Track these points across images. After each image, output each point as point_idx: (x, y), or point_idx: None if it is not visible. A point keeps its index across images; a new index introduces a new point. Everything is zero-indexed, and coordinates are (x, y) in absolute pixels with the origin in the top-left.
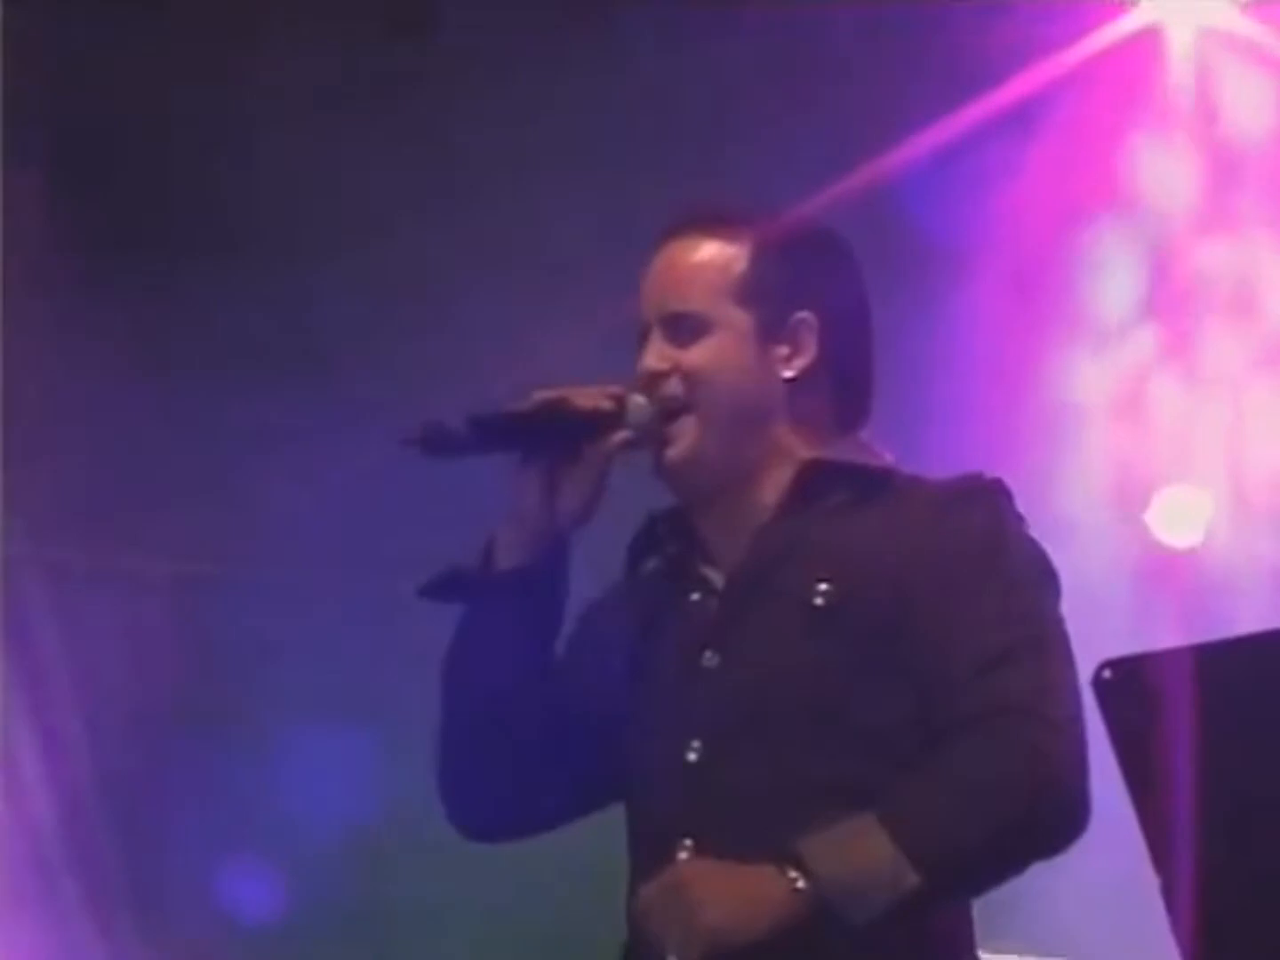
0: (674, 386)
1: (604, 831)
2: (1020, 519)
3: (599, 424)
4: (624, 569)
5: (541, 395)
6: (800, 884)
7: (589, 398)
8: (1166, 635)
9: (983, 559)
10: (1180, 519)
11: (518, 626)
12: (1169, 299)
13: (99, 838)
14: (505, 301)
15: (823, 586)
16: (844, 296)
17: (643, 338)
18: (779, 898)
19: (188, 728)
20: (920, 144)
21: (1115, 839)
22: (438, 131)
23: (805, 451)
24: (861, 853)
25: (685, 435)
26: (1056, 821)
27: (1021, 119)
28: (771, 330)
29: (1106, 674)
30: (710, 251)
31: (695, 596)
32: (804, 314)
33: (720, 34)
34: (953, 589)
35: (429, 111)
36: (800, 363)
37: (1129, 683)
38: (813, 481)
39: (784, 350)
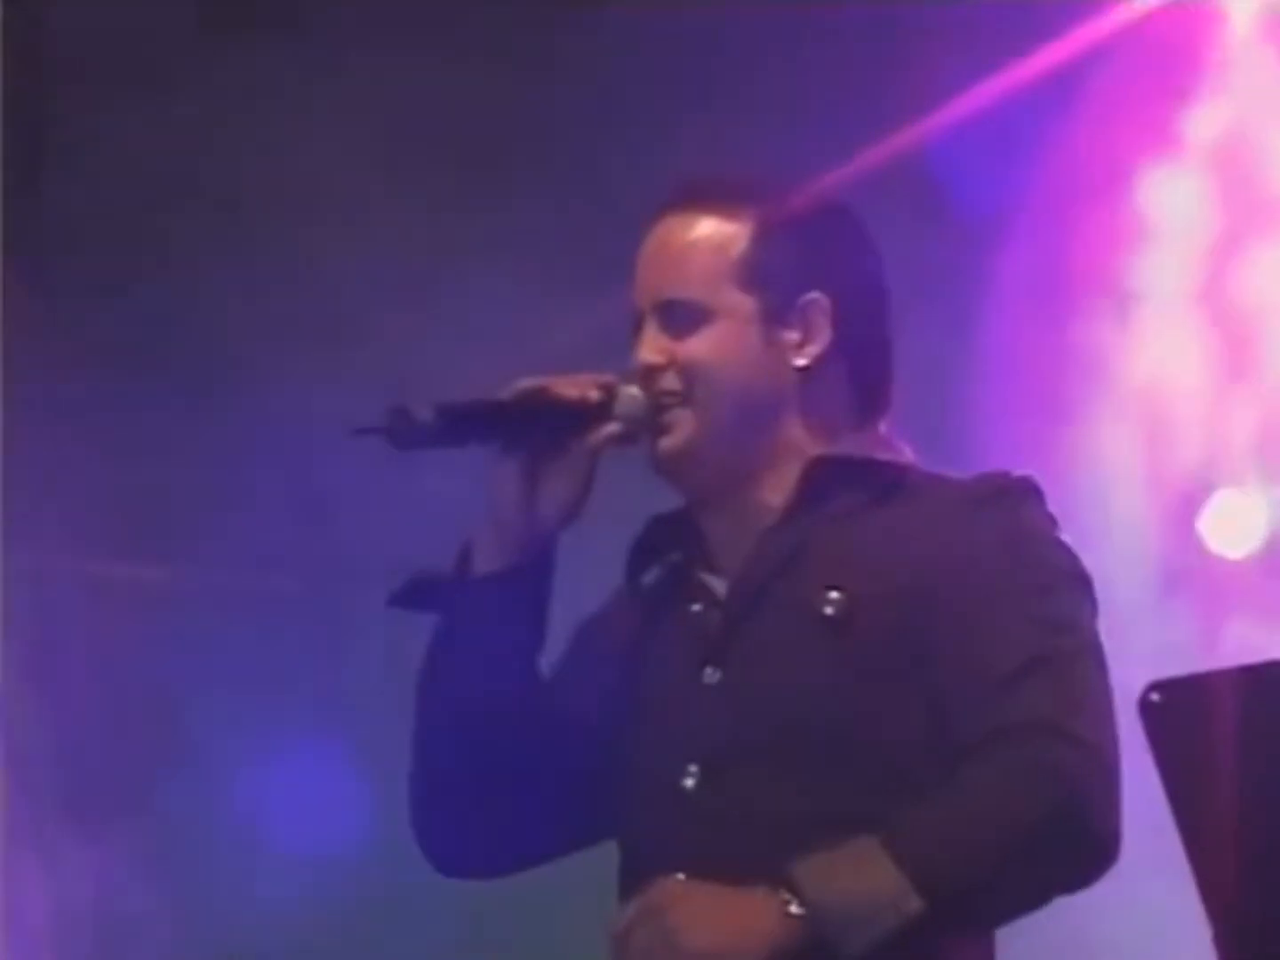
0: (671, 381)
1: (598, 865)
2: (1052, 521)
3: (585, 415)
4: (624, 577)
5: (522, 384)
6: (794, 908)
7: (575, 387)
8: (1218, 654)
9: (1008, 564)
10: (1234, 525)
11: (497, 638)
12: (1222, 280)
13: (98, 843)
14: (486, 297)
15: (832, 595)
16: (858, 274)
17: (637, 327)
18: (770, 922)
19: (189, 735)
20: (953, 111)
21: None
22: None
23: (816, 448)
24: (861, 876)
25: (682, 425)
26: (1080, 850)
27: (1061, 86)
28: (779, 315)
29: (1154, 696)
30: (706, 230)
31: (696, 607)
32: (814, 295)
33: None
34: (974, 597)
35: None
36: (813, 349)
37: (1178, 706)
38: (821, 481)
39: (794, 336)
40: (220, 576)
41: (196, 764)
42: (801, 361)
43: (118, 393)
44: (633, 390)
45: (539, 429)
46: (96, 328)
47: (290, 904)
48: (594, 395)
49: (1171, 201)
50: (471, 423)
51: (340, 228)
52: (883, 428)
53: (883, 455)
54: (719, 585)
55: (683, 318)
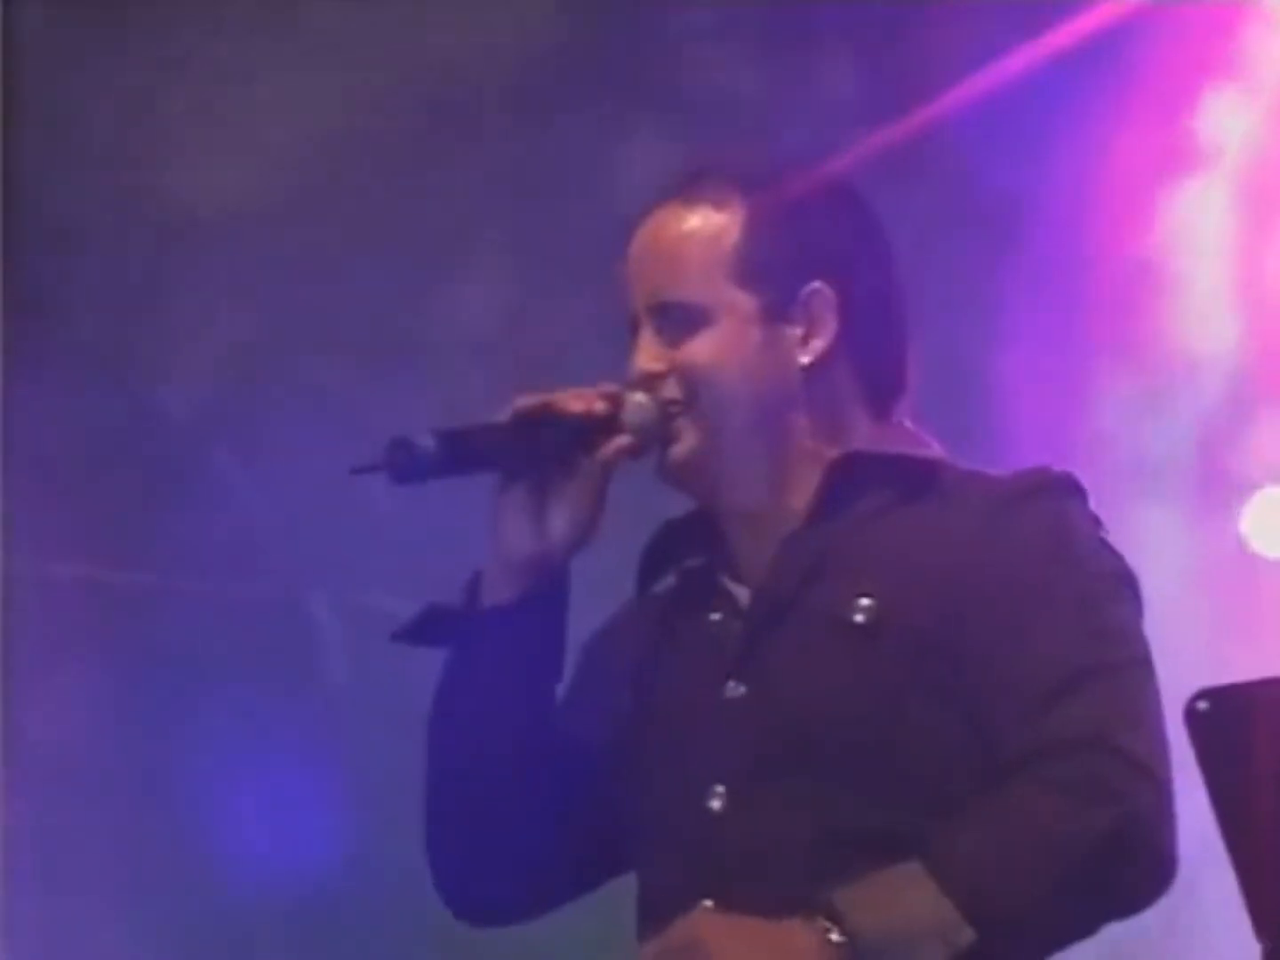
0: (671, 390)
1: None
2: (1095, 521)
3: (593, 429)
4: (636, 587)
5: (522, 402)
6: (834, 936)
7: (579, 400)
8: (1266, 661)
9: (1049, 568)
10: (1277, 524)
11: (510, 673)
12: (1266, 262)
13: (98, 851)
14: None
15: (864, 602)
16: (864, 259)
17: (632, 331)
18: (809, 952)
19: (188, 737)
20: (976, 86)
21: None
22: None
23: (831, 446)
24: (906, 904)
25: (686, 435)
26: (1135, 873)
27: (1094, 59)
28: (780, 310)
29: (1202, 705)
30: (697, 222)
31: (716, 616)
32: (816, 285)
33: None
34: (1013, 603)
35: None
36: (818, 345)
37: (1227, 715)
38: (844, 481)
39: (798, 332)
40: (219, 581)
41: (196, 765)
42: (806, 359)
43: (117, 398)
44: (640, 398)
45: (544, 449)
46: (97, 332)
47: (283, 904)
48: (600, 407)
49: (1207, 182)
50: (475, 447)
51: (336, 231)
52: (908, 421)
53: (908, 450)
54: (741, 593)
55: (679, 320)
